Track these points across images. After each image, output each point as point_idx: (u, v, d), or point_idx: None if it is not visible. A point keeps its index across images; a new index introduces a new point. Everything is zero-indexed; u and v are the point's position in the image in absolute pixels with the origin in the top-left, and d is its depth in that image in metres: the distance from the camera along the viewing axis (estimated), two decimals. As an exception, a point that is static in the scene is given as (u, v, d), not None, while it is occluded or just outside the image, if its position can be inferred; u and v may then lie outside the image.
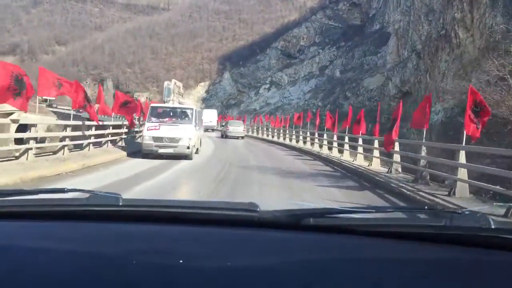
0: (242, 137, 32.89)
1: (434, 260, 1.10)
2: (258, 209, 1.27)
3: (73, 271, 1.03)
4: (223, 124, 39.74)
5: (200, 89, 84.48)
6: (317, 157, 20.34)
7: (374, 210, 1.47)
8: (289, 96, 70.52)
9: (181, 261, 1.04)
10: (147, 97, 67.85)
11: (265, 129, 40.62)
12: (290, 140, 29.65)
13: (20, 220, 1.32)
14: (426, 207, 1.61)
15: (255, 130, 44.40)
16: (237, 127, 33.98)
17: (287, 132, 31.53)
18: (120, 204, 1.34)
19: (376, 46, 60.89)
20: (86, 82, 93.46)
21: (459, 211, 1.33)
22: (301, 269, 1.04)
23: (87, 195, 1.41)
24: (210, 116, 45.95)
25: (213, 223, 1.30)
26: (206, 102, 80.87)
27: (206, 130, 37.61)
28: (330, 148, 21.95)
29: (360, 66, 61.50)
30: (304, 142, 27.22)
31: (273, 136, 36.00)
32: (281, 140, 32.17)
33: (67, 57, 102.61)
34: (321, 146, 23.50)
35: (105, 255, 1.10)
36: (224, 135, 33.43)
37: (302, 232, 1.24)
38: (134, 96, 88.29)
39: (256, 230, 1.26)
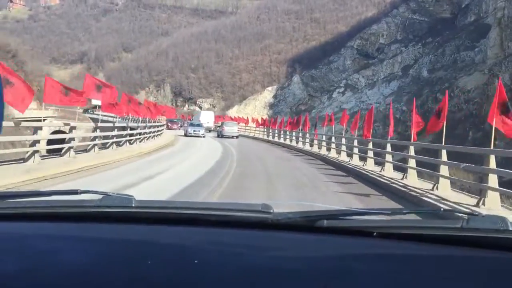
0: (237, 137, 36.53)
1: (450, 262, 1.12)
2: (272, 211, 1.29)
3: (87, 271, 1.05)
4: (219, 124, 43.45)
5: (267, 94, 79.73)
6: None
7: (389, 212, 1.46)
8: (366, 100, 64.31)
9: (196, 261, 1.06)
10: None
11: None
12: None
13: (34, 221, 1.36)
14: (442, 209, 1.44)
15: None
16: (231, 128, 37.49)
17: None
18: (133, 205, 1.36)
19: (472, 40, 53.55)
20: (149, 89, 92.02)
21: (476, 213, 1.33)
22: (316, 270, 1.05)
23: (100, 196, 1.43)
24: (208, 118, 52.25)
25: (227, 225, 1.31)
26: (274, 108, 75.99)
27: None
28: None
29: (453, 63, 54.12)
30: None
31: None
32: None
33: (131, 63, 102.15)
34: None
35: (119, 256, 1.14)
36: (220, 135, 36.84)
37: (316, 234, 1.26)
38: (197, 102, 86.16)
39: (270, 232, 1.27)
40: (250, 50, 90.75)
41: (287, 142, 31.33)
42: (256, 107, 78.08)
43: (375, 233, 1.24)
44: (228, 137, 35.26)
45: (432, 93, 51.31)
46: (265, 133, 40.76)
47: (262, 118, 43.73)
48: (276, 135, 36.56)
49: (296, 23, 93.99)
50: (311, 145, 26.25)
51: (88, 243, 1.20)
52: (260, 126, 44.36)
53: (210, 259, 1.09)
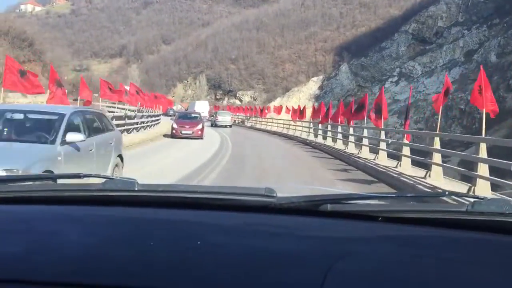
0: (230, 126, 38.08)
1: (456, 245, 1.14)
2: (275, 195, 1.30)
3: (91, 252, 1.08)
4: (213, 114, 43.87)
5: (312, 85, 74.84)
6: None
7: (394, 196, 1.49)
8: (424, 90, 58.34)
9: (199, 243, 1.09)
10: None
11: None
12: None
13: (38, 205, 1.39)
14: (447, 192, 1.91)
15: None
16: (225, 117, 39.27)
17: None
18: (136, 189, 1.39)
19: (551, 18, 46.58)
20: (187, 81, 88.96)
21: (481, 197, 1.33)
22: (320, 253, 1.07)
23: (102, 180, 1.47)
24: (202, 107, 52.53)
25: (230, 208, 1.33)
26: (320, 99, 70.80)
27: None
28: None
29: (527, 46, 47.34)
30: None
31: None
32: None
33: (169, 55, 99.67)
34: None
35: (122, 237, 1.16)
36: (214, 124, 37.79)
37: (320, 218, 1.28)
38: (237, 95, 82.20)
39: (273, 216, 1.30)
40: (294, 39, 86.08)
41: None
42: (301, 99, 73.16)
43: (379, 217, 1.25)
44: (222, 126, 36.79)
45: (504, 80, 44.99)
46: (303, 128, 28.74)
47: (298, 108, 32.57)
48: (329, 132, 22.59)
49: (344, 9, 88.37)
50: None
51: (92, 225, 1.23)
52: (300, 121, 30.83)
53: (213, 241, 1.11)
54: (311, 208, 1.28)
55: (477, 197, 1.30)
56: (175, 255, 1.06)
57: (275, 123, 36.96)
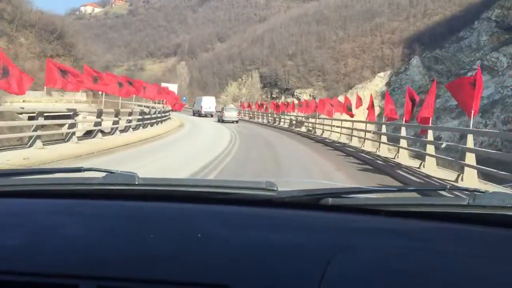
0: (237, 121, 37.68)
1: (457, 239, 1.15)
2: (276, 189, 1.32)
3: (91, 245, 1.09)
4: (219, 110, 44.05)
5: (379, 81, 68.19)
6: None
7: (395, 189, 1.51)
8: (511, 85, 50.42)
9: (199, 235, 1.11)
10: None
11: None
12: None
13: (38, 198, 1.41)
14: (448, 186, 1.47)
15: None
16: (232, 113, 38.98)
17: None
18: (137, 182, 1.40)
19: None
20: (242, 79, 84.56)
21: (482, 190, 1.35)
22: (320, 246, 1.08)
23: (103, 174, 1.48)
24: (209, 103, 52.06)
25: (231, 202, 1.35)
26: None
27: (205, 115, 47.93)
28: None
29: None
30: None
31: None
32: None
33: (223, 53, 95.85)
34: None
35: (122, 230, 1.18)
36: (221, 120, 38.14)
37: (320, 211, 1.29)
38: (295, 93, 76.74)
39: (274, 209, 1.31)
40: (358, 31, 79.84)
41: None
42: (365, 97, 66.60)
43: (380, 211, 1.26)
44: (228, 121, 36.99)
45: None
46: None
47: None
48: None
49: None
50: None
51: (92, 219, 1.24)
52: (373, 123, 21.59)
53: (214, 234, 1.12)
54: (312, 202, 1.29)
55: (479, 191, 1.31)
56: (175, 248, 1.07)
57: (340, 126, 22.19)
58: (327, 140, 21.83)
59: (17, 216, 1.26)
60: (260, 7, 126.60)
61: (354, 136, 19.34)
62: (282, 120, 37.87)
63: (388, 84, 67.98)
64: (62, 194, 1.42)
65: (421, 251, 1.07)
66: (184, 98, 67.88)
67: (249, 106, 54.39)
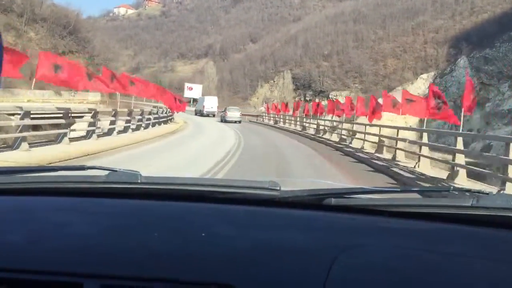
0: (239, 122, 39.29)
1: (460, 240, 1.15)
2: (279, 188, 1.33)
3: (93, 243, 1.11)
4: (222, 110, 43.86)
5: (421, 84, 63.66)
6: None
7: (398, 190, 1.50)
8: None
9: (203, 234, 1.12)
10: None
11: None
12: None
13: (41, 196, 1.43)
14: (451, 187, 1.42)
15: None
16: (234, 113, 40.45)
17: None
18: (139, 181, 1.41)
19: None
20: (274, 81, 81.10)
21: (486, 192, 1.35)
22: (324, 246, 1.10)
23: (106, 172, 1.49)
24: (211, 103, 51.97)
25: (234, 201, 1.36)
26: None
27: (207, 115, 48.39)
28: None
29: None
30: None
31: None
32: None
33: (255, 53, 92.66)
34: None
35: (125, 228, 1.19)
36: (223, 120, 39.54)
37: (323, 211, 1.30)
38: (330, 95, 72.71)
39: (277, 209, 1.32)
40: (398, 30, 75.20)
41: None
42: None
43: (383, 211, 1.26)
44: (231, 121, 38.10)
45: None
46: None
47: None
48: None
49: (459, -7, 75.67)
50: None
51: (95, 216, 1.25)
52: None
53: (217, 234, 1.13)
54: (315, 201, 1.30)
55: (483, 192, 1.31)
56: (179, 247, 1.07)
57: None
58: (375, 161, 14.63)
59: (20, 214, 1.28)
60: (294, 7, 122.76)
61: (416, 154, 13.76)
62: (308, 124, 31.84)
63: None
64: (65, 192, 1.43)
65: (425, 252, 1.07)
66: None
67: (276, 108, 45.24)
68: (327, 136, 24.89)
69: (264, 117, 50.56)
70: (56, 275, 0.99)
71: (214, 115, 48.91)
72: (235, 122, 38.47)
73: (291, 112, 40.23)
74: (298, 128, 33.41)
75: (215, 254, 1.04)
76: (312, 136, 26.48)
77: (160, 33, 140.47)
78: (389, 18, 78.78)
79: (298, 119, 35.92)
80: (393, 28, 76.20)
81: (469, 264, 1.03)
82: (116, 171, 1.48)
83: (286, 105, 43.58)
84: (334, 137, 23.55)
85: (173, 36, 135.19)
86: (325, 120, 28.34)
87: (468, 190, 1.43)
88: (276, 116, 43.85)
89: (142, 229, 1.16)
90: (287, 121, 40.16)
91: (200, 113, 50.77)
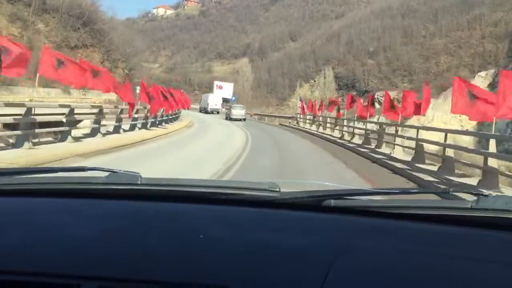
0: (244, 119, 40.77)
1: (460, 242, 1.16)
2: (279, 190, 1.34)
3: (92, 244, 1.11)
4: (227, 108, 45.45)
5: (479, 82, 57.53)
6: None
7: (397, 192, 1.51)
8: None
9: (201, 236, 1.13)
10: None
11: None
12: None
13: (41, 197, 1.43)
14: (451, 189, 1.64)
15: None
16: (239, 111, 41.84)
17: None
18: (139, 182, 1.42)
19: None
20: (315, 81, 76.43)
21: (486, 193, 1.35)
22: (323, 248, 1.10)
23: (106, 173, 1.50)
24: (215, 100, 53.98)
25: (233, 203, 1.37)
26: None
27: (212, 112, 51.84)
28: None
29: None
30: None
31: None
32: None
33: (295, 52, 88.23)
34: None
35: (125, 230, 1.20)
36: (228, 118, 41.09)
37: (323, 213, 1.31)
38: (376, 95, 67.61)
39: (276, 210, 1.33)
40: (452, 24, 69.33)
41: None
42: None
43: (383, 213, 1.27)
44: (236, 119, 39.25)
45: None
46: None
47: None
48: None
49: (521, -17, 69.21)
50: None
51: (95, 218, 1.26)
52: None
53: (216, 235, 1.14)
54: (314, 203, 1.30)
55: (482, 194, 1.31)
56: (177, 248, 1.08)
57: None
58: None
59: (19, 215, 1.28)
60: (337, 3, 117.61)
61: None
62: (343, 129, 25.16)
63: (491, 84, 57.50)
64: (65, 193, 1.44)
65: (424, 254, 1.07)
66: (233, 98, 62.14)
67: (311, 107, 36.43)
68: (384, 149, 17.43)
69: (299, 118, 40.88)
70: (54, 277, 0.99)
71: (218, 112, 51.36)
72: (240, 120, 39.92)
73: (332, 113, 31.65)
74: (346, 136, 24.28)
75: (213, 255, 1.04)
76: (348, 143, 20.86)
77: (198, 33, 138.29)
78: (441, 12, 73.03)
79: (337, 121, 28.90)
80: (446, 23, 70.43)
81: (468, 266, 1.03)
82: (116, 172, 1.47)
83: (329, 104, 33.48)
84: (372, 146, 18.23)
85: (211, 36, 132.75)
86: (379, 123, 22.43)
87: (468, 192, 1.46)
88: (312, 115, 36.17)
89: (141, 231, 1.16)
90: (320, 123, 32.42)
91: (204, 110, 52.71)
